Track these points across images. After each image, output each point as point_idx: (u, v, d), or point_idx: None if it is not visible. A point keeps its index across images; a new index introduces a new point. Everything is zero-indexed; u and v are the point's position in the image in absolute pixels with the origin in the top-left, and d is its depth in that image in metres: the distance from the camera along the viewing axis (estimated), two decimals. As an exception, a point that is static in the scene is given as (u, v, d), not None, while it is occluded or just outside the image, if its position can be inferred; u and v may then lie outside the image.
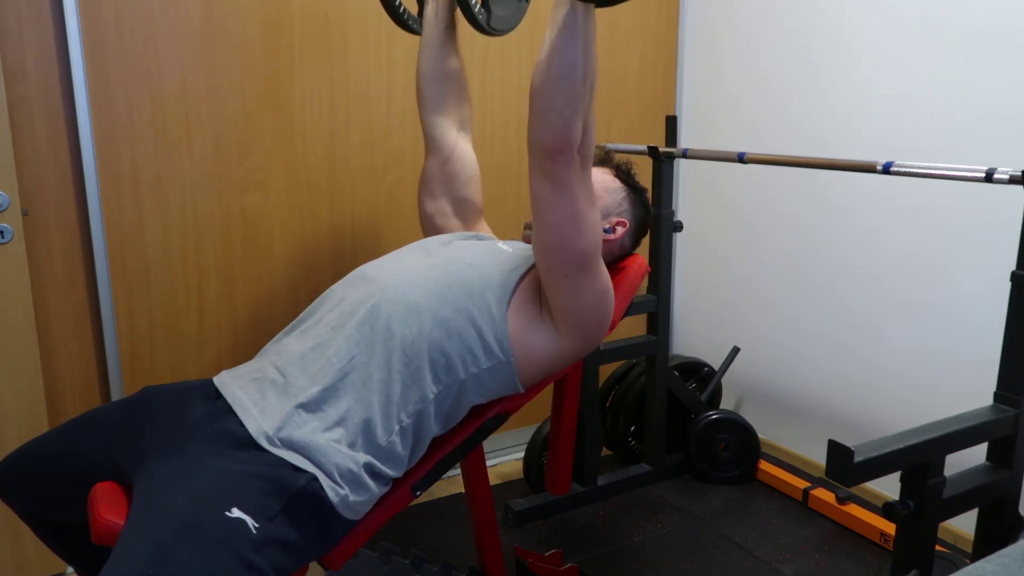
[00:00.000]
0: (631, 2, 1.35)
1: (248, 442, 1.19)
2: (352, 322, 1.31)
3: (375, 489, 1.25)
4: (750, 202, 2.56)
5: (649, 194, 1.72)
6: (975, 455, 1.56)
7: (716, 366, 2.58)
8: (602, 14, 1.25)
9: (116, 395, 1.99)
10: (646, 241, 2.17)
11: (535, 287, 1.42)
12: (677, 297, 2.85)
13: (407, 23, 1.79)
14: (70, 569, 1.96)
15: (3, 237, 1.74)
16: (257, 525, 1.07)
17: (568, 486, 1.92)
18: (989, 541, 1.56)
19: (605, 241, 1.60)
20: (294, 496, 1.14)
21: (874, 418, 2.24)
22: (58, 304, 1.92)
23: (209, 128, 1.99)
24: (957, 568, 1.55)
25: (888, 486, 1.80)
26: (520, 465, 2.44)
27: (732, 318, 2.67)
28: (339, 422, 1.24)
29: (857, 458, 1.30)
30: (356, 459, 1.22)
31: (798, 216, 2.41)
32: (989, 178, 1.47)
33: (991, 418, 1.49)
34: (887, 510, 1.43)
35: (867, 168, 1.69)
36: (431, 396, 1.30)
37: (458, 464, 1.63)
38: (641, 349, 2.34)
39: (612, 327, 1.55)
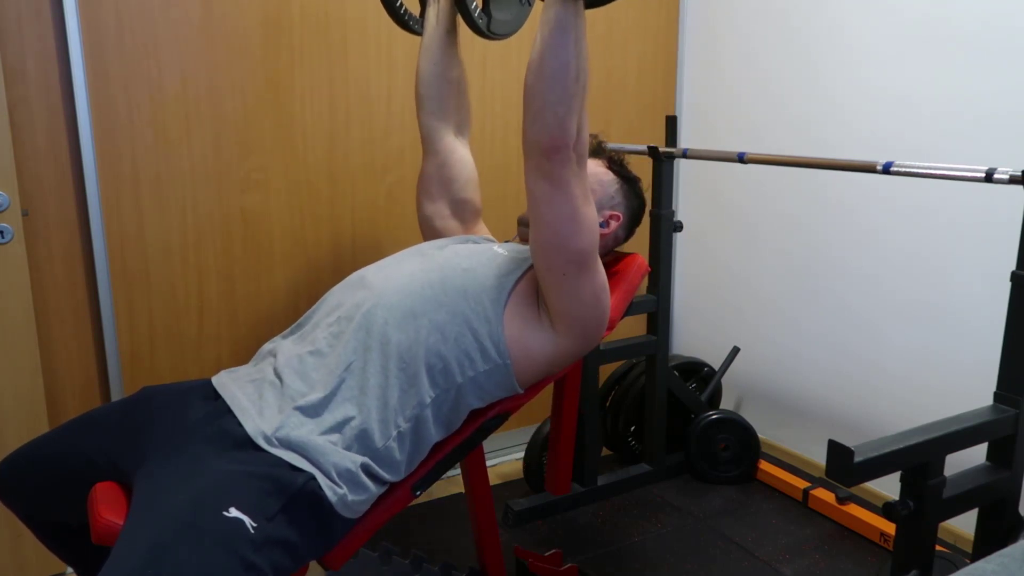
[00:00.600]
0: (631, 2, 1.36)
1: (246, 442, 1.19)
2: (350, 328, 1.31)
3: (373, 489, 1.25)
4: (750, 202, 2.56)
5: (641, 183, 1.71)
6: (975, 455, 1.56)
7: (716, 366, 2.58)
8: (602, 14, 1.25)
9: (116, 395, 1.99)
10: (646, 241, 2.17)
11: (532, 289, 1.42)
12: (677, 297, 2.85)
13: (408, 24, 1.79)
14: (70, 569, 1.96)
15: (3, 237, 1.74)
16: (255, 525, 1.07)
17: (568, 486, 1.92)
18: (989, 541, 1.56)
19: (600, 235, 1.59)
20: (293, 496, 1.14)
21: (874, 418, 2.24)
22: (58, 304, 1.92)
23: (209, 128, 1.99)
24: (957, 568, 1.55)
25: (888, 486, 1.80)
26: (520, 465, 2.44)
27: (732, 318, 2.67)
28: (336, 427, 1.24)
29: (857, 458, 1.30)
30: (354, 459, 1.22)
31: (798, 216, 2.41)
32: (989, 178, 1.47)
33: (991, 418, 1.49)
34: (887, 510, 1.43)
35: (867, 168, 1.69)
36: (428, 400, 1.30)
37: (458, 464, 1.63)
38: (641, 349, 2.34)
39: (611, 327, 1.55)
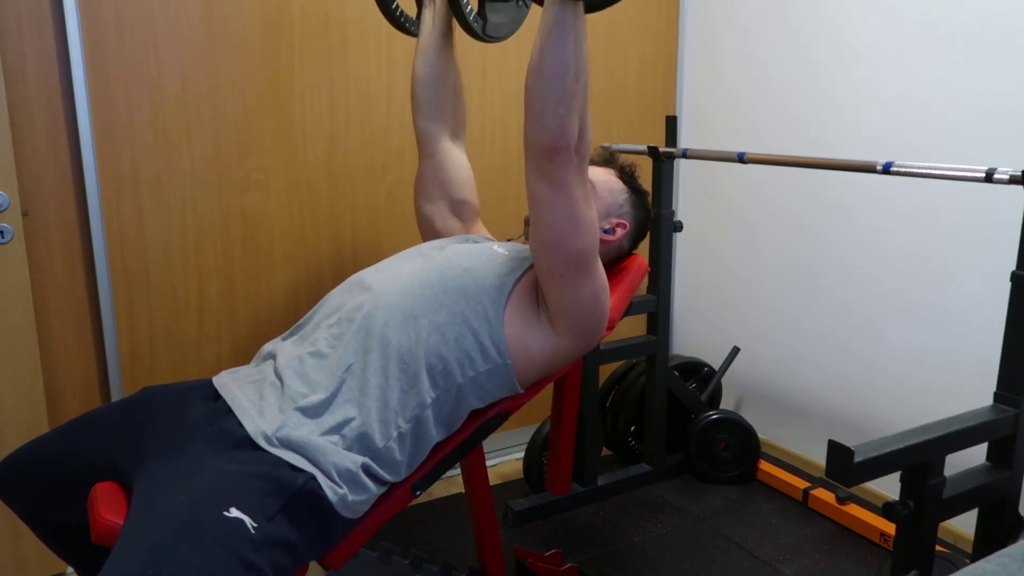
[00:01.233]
0: (631, 2, 1.36)
1: (247, 442, 1.19)
2: (350, 330, 1.31)
3: (373, 489, 1.25)
4: (750, 202, 2.56)
5: (650, 195, 1.72)
6: (975, 455, 1.56)
7: (716, 366, 2.58)
8: (603, 14, 1.25)
9: (116, 395, 1.99)
10: (646, 241, 2.18)
11: (532, 288, 1.42)
12: (677, 297, 2.85)
13: (404, 26, 1.79)
14: (70, 569, 1.96)
15: (3, 237, 1.74)
16: (256, 525, 1.07)
17: (568, 486, 1.92)
18: (989, 541, 1.56)
19: (604, 242, 1.60)
20: (293, 496, 1.14)
21: (874, 418, 2.24)
22: (58, 304, 1.92)
23: (209, 128, 1.99)
24: (957, 568, 1.56)
25: (888, 486, 1.80)
26: (520, 465, 2.44)
27: (732, 318, 2.67)
28: (336, 429, 1.24)
29: (857, 458, 1.30)
30: (354, 459, 1.22)
31: (798, 216, 2.41)
32: (989, 178, 1.47)
33: (991, 418, 1.49)
34: (887, 510, 1.43)
35: (867, 168, 1.69)
36: (428, 401, 1.30)
37: (458, 464, 1.63)
38: (641, 349, 2.34)
39: (611, 327, 1.55)
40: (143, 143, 1.93)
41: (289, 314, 2.15)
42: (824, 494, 2.25)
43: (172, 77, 1.93)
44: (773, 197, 2.48)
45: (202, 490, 1.10)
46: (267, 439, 1.20)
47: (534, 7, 1.56)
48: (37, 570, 1.90)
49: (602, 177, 1.60)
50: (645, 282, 2.25)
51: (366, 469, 1.24)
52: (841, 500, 2.19)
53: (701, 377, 2.61)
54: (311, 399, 1.25)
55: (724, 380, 2.61)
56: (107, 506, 1.19)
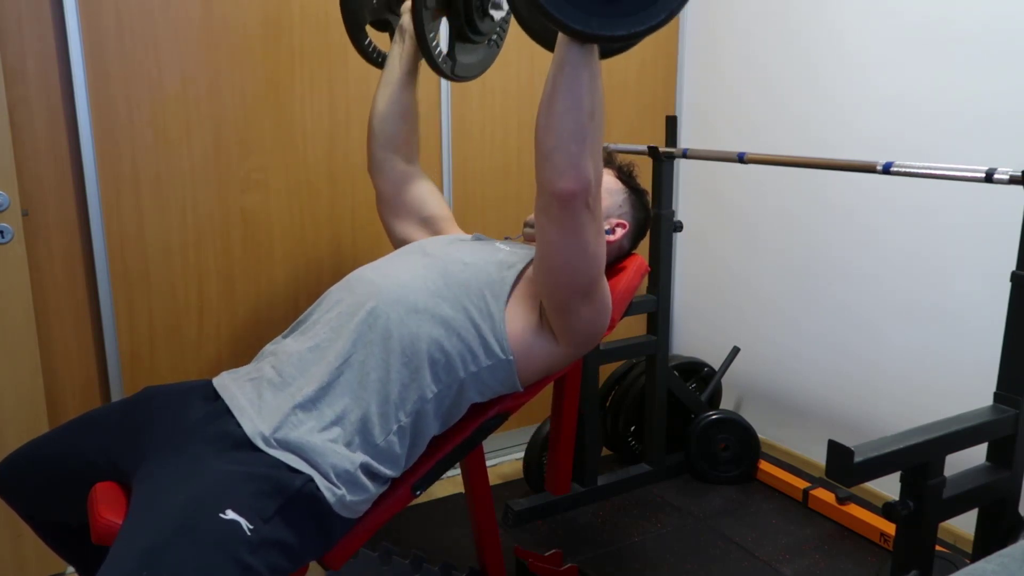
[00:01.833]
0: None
1: (245, 443, 1.19)
2: (351, 323, 1.30)
3: (372, 489, 1.25)
4: (750, 202, 2.56)
5: (649, 194, 1.72)
6: (975, 455, 1.56)
7: (716, 366, 2.58)
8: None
9: (116, 395, 1.99)
10: (646, 241, 2.18)
11: (534, 291, 1.41)
12: (677, 297, 2.85)
13: (376, 60, 1.78)
14: (70, 569, 1.96)
15: (3, 237, 1.74)
16: (252, 527, 1.07)
17: (568, 486, 1.92)
18: (989, 541, 1.56)
19: (605, 243, 1.60)
20: (290, 497, 1.14)
21: (874, 418, 2.24)
22: (58, 304, 1.92)
23: (209, 128, 1.99)
24: (957, 568, 1.56)
25: (888, 486, 1.80)
26: (520, 465, 2.44)
27: (732, 318, 2.67)
28: (336, 421, 1.23)
29: (857, 458, 1.30)
30: (353, 459, 1.22)
31: (798, 216, 2.41)
32: (989, 178, 1.47)
33: (991, 418, 1.49)
34: (887, 510, 1.43)
35: (867, 168, 1.69)
36: (430, 395, 1.30)
37: (458, 464, 1.63)
38: (641, 349, 2.34)
39: (612, 327, 1.55)
40: (143, 143, 1.93)
41: (289, 314, 2.14)
42: (824, 494, 2.25)
43: (172, 77, 1.93)
44: (773, 197, 2.48)
45: (199, 492, 1.10)
46: (265, 440, 1.19)
47: (515, 41, 1.56)
48: (37, 570, 1.90)
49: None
50: (645, 282, 2.25)
51: (365, 469, 1.23)
52: (841, 500, 2.19)
53: (701, 377, 2.61)
54: (307, 391, 1.24)
55: (724, 380, 2.61)
56: (107, 506, 1.19)
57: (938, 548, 1.55)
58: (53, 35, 1.81)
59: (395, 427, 1.27)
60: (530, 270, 1.43)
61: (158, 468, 1.17)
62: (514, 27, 1.60)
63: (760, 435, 2.49)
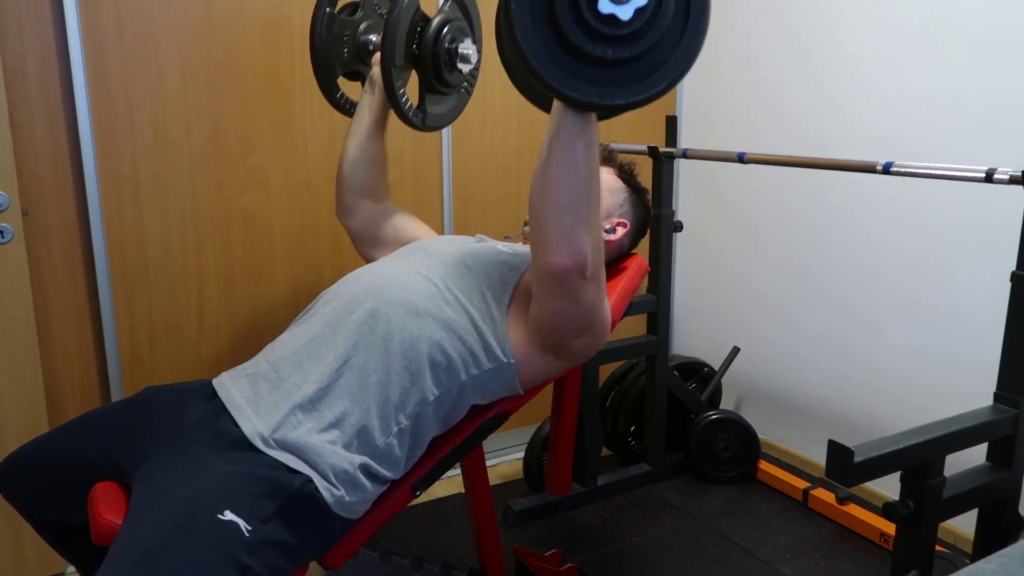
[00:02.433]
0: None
1: (243, 443, 1.19)
2: (350, 322, 1.29)
3: (371, 489, 1.25)
4: (750, 202, 2.56)
5: (649, 194, 1.72)
6: (975, 455, 1.56)
7: (716, 366, 2.58)
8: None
9: (116, 395, 1.99)
10: (646, 241, 2.18)
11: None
12: (677, 297, 2.85)
13: (347, 110, 1.78)
14: (70, 569, 1.96)
15: (3, 237, 1.74)
16: (250, 528, 1.07)
17: (568, 486, 1.92)
18: (989, 541, 1.56)
19: (606, 242, 1.60)
20: (289, 498, 1.14)
21: (874, 418, 2.24)
22: (58, 304, 1.92)
23: (209, 128, 1.99)
24: (957, 568, 1.56)
25: (888, 486, 1.80)
26: (520, 465, 2.44)
27: (732, 318, 2.67)
28: (335, 423, 1.23)
29: (857, 458, 1.30)
30: (352, 460, 1.21)
31: (798, 216, 2.41)
32: (989, 178, 1.47)
33: (991, 418, 1.49)
34: (887, 510, 1.43)
35: (867, 168, 1.69)
36: (431, 398, 1.29)
37: (458, 464, 1.63)
38: (641, 349, 2.34)
39: (612, 327, 1.55)
40: (143, 143, 1.92)
41: (289, 314, 2.14)
42: (824, 494, 2.25)
43: (172, 77, 1.93)
44: (773, 197, 2.48)
45: (197, 492, 1.09)
46: (264, 440, 1.19)
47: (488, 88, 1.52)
48: (37, 570, 1.90)
49: (602, 176, 1.60)
50: (645, 282, 2.25)
51: (364, 469, 1.23)
52: (841, 500, 2.19)
53: (701, 377, 2.61)
54: (305, 390, 1.23)
55: (724, 380, 2.61)
56: (107, 506, 1.19)
57: (938, 548, 1.55)
58: (53, 35, 1.81)
59: (395, 429, 1.27)
60: (528, 275, 1.42)
61: (158, 468, 1.17)
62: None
63: (760, 435, 2.48)
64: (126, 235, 1.94)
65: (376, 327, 1.28)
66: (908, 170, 1.61)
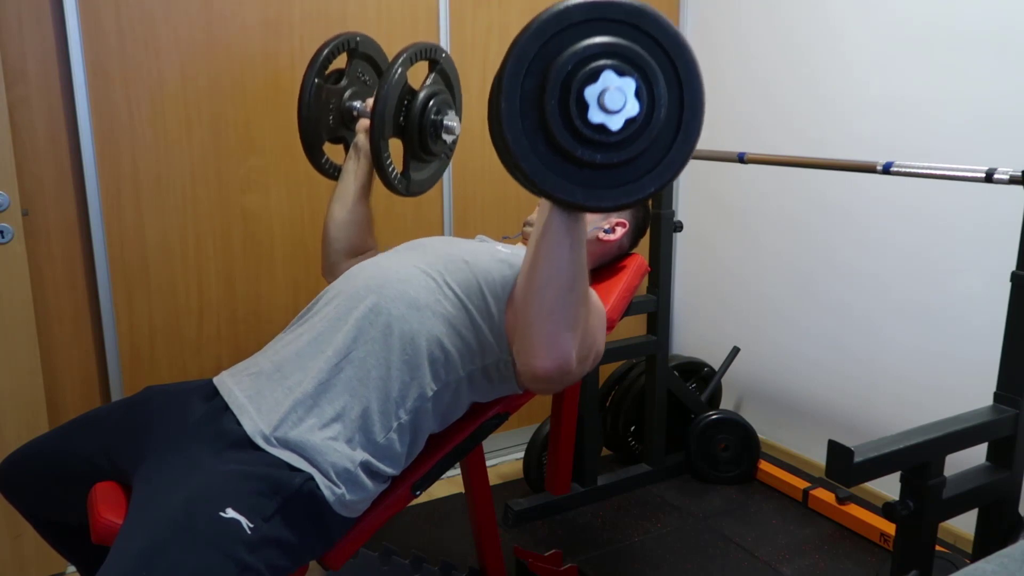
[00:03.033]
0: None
1: (245, 442, 1.19)
2: (351, 318, 1.30)
3: (372, 487, 1.25)
4: (750, 202, 2.56)
5: None
6: (975, 455, 1.56)
7: (716, 366, 2.58)
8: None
9: (116, 395, 1.99)
10: (646, 241, 2.18)
11: None
12: (677, 297, 2.85)
13: (331, 174, 1.77)
14: (70, 568, 1.96)
15: (3, 237, 1.74)
16: (252, 526, 1.07)
17: (568, 486, 1.92)
18: (989, 541, 1.56)
19: (605, 242, 1.60)
20: (290, 496, 1.14)
21: (874, 418, 2.24)
22: (58, 304, 1.92)
23: (209, 128, 1.99)
24: (957, 568, 1.56)
25: (888, 486, 1.80)
26: (520, 465, 2.44)
27: (732, 318, 2.67)
28: (336, 418, 1.23)
29: (857, 458, 1.30)
30: (353, 458, 1.21)
31: (798, 216, 2.41)
32: (989, 178, 1.47)
33: (991, 418, 1.49)
34: (887, 510, 1.43)
35: (867, 168, 1.69)
36: (430, 393, 1.30)
37: (458, 464, 1.63)
38: (641, 349, 2.34)
39: (611, 327, 1.55)
40: (143, 143, 1.93)
41: (289, 314, 2.14)
42: (824, 494, 2.25)
43: (172, 77, 1.93)
44: (773, 197, 2.48)
45: (198, 491, 1.10)
46: (265, 439, 1.19)
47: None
48: (37, 569, 1.90)
49: None
50: (645, 282, 2.25)
51: (365, 467, 1.23)
52: (841, 500, 2.19)
53: (701, 377, 2.61)
54: (306, 386, 1.23)
55: (724, 380, 2.61)
56: (107, 506, 1.20)
57: (938, 548, 1.55)
58: (53, 35, 1.81)
59: (395, 424, 1.27)
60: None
61: (158, 467, 1.17)
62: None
63: (760, 435, 2.49)
64: (126, 235, 1.94)
65: (376, 321, 1.28)
66: (908, 170, 1.61)
